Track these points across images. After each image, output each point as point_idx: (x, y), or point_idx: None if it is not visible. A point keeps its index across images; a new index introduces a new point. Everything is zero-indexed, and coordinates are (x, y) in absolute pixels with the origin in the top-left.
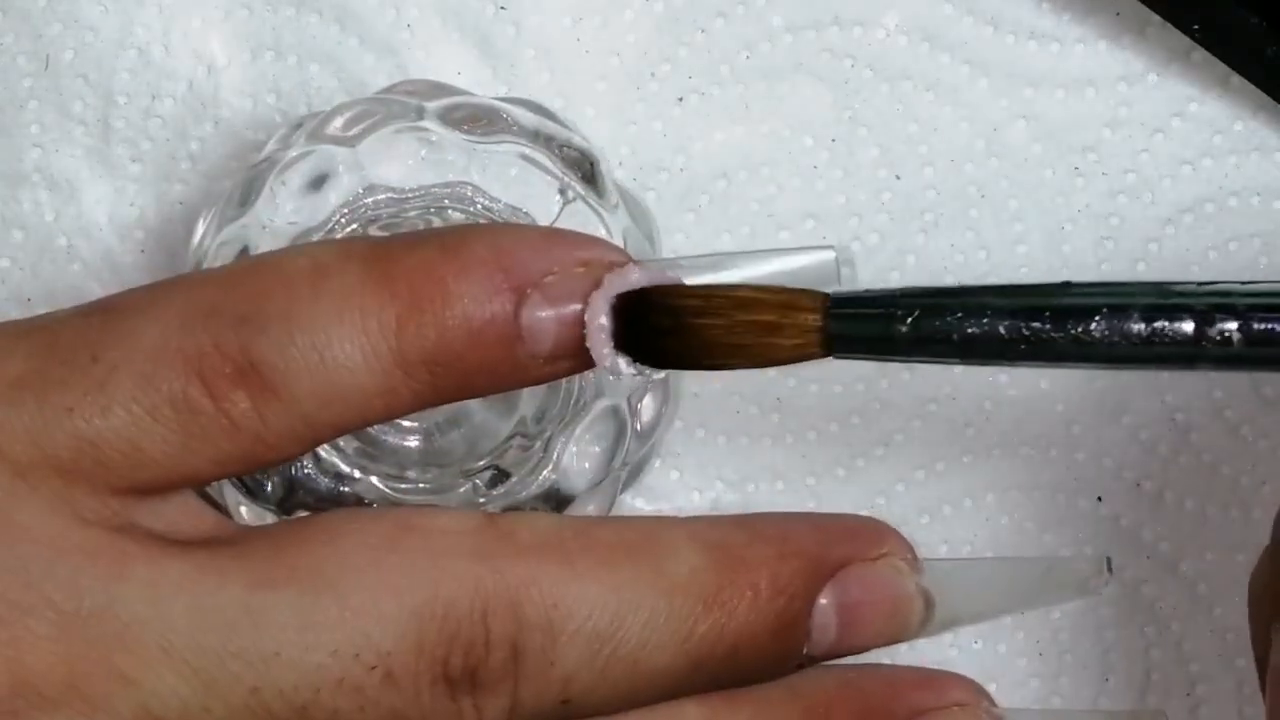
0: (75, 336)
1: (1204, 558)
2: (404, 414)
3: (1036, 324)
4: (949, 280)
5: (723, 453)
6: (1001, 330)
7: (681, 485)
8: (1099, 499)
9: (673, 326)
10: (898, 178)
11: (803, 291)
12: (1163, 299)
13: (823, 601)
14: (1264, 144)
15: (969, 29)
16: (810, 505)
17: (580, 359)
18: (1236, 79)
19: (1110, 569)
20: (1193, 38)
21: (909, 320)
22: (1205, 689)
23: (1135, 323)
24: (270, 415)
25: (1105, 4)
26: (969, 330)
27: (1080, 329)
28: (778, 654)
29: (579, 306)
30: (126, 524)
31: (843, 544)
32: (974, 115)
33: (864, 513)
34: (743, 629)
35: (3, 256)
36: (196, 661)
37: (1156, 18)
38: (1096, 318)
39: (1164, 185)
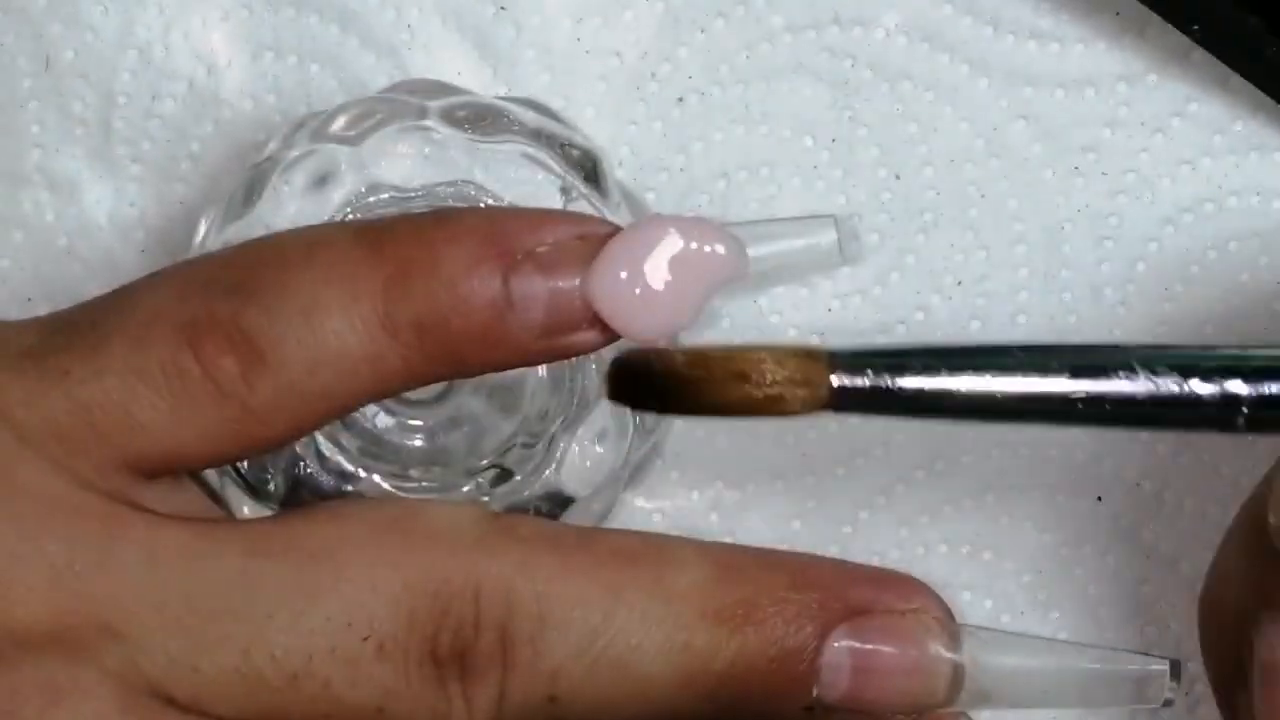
0: (81, 311)
1: (1204, 558)
2: (397, 387)
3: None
4: (948, 280)
5: (723, 453)
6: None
7: (681, 485)
8: (1099, 499)
9: (666, 392)
10: (898, 178)
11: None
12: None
13: (836, 644)
14: (1264, 144)
15: (969, 29)
16: (810, 505)
17: (577, 336)
18: (1236, 79)
19: (1177, 677)
20: (1192, 38)
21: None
22: (1205, 689)
23: (1163, 381)
24: (257, 382)
25: (1105, 4)
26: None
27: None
28: (779, 687)
29: (572, 276)
30: (127, 497)
31: (867, 589)
32: (974, 115)
33: (863, 514)
34: (741, 651)
35: (3, 256)
36: (188, 619)
37: (1156, 18)
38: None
39: (1164, 185)
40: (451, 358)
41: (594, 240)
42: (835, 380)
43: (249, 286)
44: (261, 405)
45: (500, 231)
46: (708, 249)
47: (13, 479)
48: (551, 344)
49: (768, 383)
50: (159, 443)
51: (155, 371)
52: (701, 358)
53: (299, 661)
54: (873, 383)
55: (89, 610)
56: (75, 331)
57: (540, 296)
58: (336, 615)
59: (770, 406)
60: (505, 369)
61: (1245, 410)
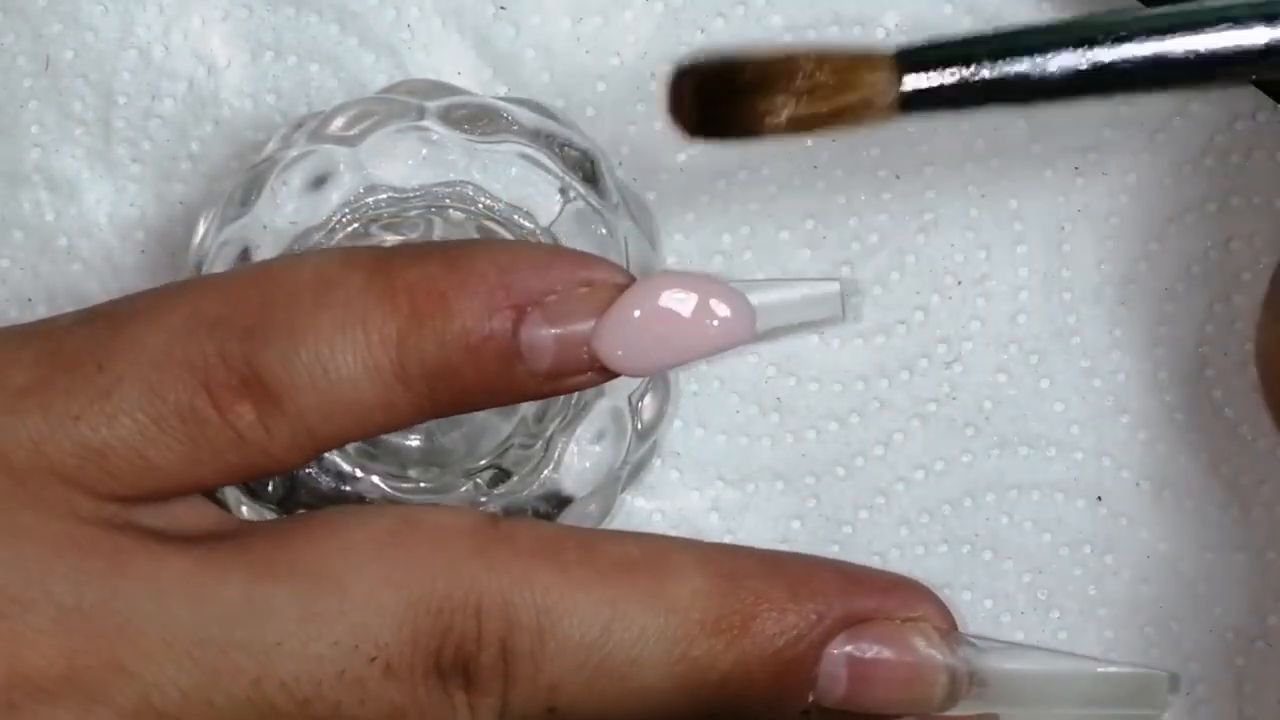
0: (80, 344)
1: (1204, 558)
2: (403, 426)
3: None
4: (948, 280)
5: (723, 452)
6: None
7: (681, 485)
8: (1099, 499)
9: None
10: (898, 178)
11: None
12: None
13: (834, 651)
14: (1264, 144)
15: (969, 29)
16: (810, 505)
17: (580, 378)
18: None
19: (1176, 689)
20: None
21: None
22: (1205, 689)
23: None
24: (275, 428)
25: (1105, 4)
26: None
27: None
28: (776, 696)
29: (580, 327)
30: (126, 523)
31: (869, 597)
32: (974, 115)
33: (863, 514)
34: (739, 661)
35: (3, 256)
36: (198, 653)
37: None
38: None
39: (1164, 185)
40: (459, 401)
41: (602, 288)
42: (909, 82)
43: (260, 328)
44: (279, 448)
45: (510, 280)
46: (716, 310)
47: (14, 523)
48: (554, 386)
49: (826, 91)
50: (174, 480)
51: (172, 418)
52: (762, 70)
53: (309, 688)
54: (949, 79)
55: (99, 649)
56: (80, 371)
57: (549, 347)
58: (344, 639)
59: (835, 119)
60: (506, 405)
61: None
